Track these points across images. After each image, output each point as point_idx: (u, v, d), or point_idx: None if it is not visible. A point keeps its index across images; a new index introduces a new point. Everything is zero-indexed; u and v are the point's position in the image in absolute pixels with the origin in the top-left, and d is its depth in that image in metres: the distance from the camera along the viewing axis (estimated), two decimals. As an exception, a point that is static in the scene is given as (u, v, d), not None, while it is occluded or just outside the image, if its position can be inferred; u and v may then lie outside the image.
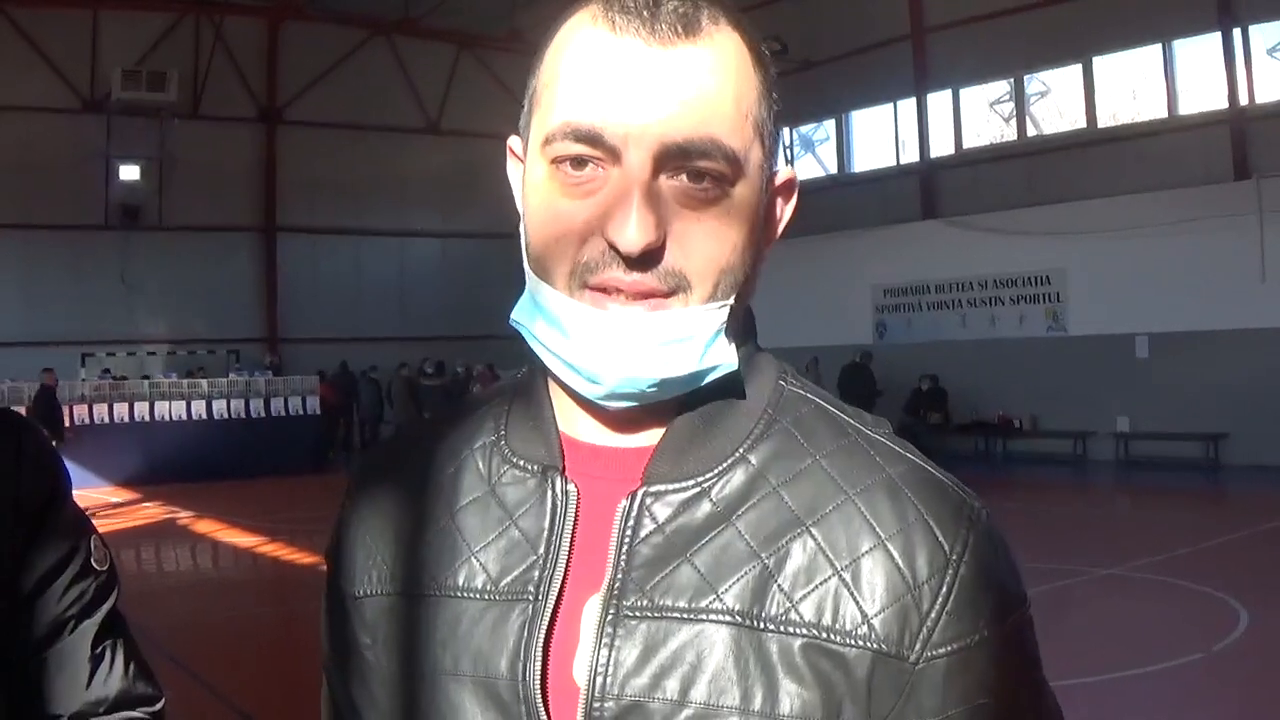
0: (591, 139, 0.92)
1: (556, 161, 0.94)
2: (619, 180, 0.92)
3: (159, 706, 1.53)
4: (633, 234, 0.90)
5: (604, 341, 0.93)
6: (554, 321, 0.96)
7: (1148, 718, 6.79)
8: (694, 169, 0.92)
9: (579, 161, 0.93)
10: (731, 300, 0.96)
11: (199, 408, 21.56)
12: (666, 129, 0.90)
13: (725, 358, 0.96)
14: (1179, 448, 19.32)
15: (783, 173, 1.03)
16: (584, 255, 0.93)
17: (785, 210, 1.05)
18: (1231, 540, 12.38)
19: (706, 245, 0.93)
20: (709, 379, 0.97)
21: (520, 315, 1.00)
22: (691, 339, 0.94)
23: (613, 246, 0.91)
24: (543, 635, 0.96)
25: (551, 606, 0.96)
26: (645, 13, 0.92)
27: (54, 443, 12.81)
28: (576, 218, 0.93)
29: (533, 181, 0.97)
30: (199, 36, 25.99)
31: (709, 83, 0.92)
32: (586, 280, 0.93)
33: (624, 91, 0.91)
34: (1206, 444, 19.06)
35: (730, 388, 0.99)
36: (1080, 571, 10.46)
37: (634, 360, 0.93)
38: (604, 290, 0.93)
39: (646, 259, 0.92)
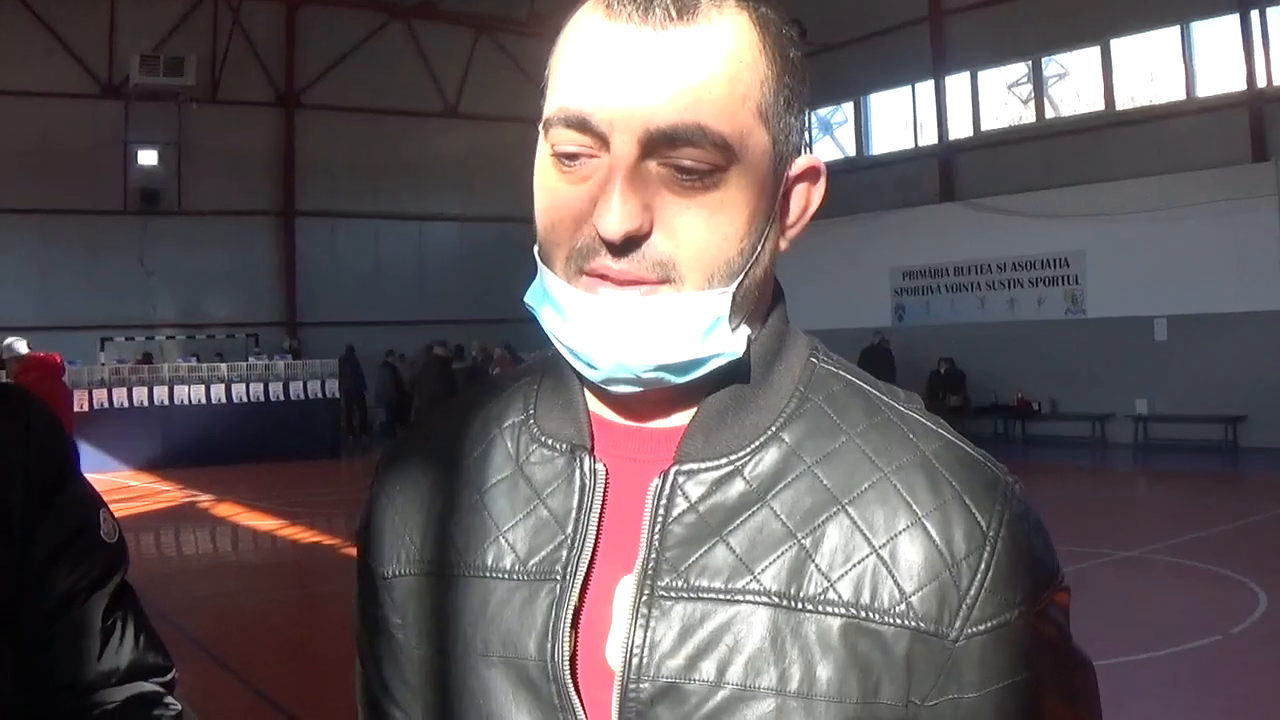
0: (581, 124, 0.91)
1: (555, 147, 0.94)
2: (607, 166, 0.91)
3: (170, 677, 1.53)
4: (613, 221, 0.89)
5: (597, 326, 0.93)
6: (555, 306, 0.96)
7: (1167, 700, 6.78)
8: (681, 155, 0.90)
9: (571, 151, 0.93)
10: (732, 288, 0.94)
11: (218, 391, 21.54)
12: (652, 114, 0.89)
13: (727, 345, 0.95)
14: (1198, 430, 19.23)
15: (801, 161, 1.00)
16: (578, 241, 0.93)
17: (813, 198, 1.02)
18: (1250, 523, 12.35)
19: (696, 234, 0.92)
20: (710, 365, 0.95)
21: (531, 298, 1.00)
22: (685, 325, 0.93)
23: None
24: (570, 616, 0.96)
25: (579, 587, 0.96)
26: None
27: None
28: (571, 203, 0.93)
29: (539, 167, 0.97)
30: (217, 21, 25.97)
31: (700, 67, 0.90)
32: (581, 266, 0.93)
33: (612, 77, 0.90)
34: (1225, 426, 18.97)
35: (762, 366, 0.99)
36: (1099, 554, 10.44)
37: (626, 346, 0.93)
38: (596, 276, 0.93)
39: (632, 246, 0.91)
